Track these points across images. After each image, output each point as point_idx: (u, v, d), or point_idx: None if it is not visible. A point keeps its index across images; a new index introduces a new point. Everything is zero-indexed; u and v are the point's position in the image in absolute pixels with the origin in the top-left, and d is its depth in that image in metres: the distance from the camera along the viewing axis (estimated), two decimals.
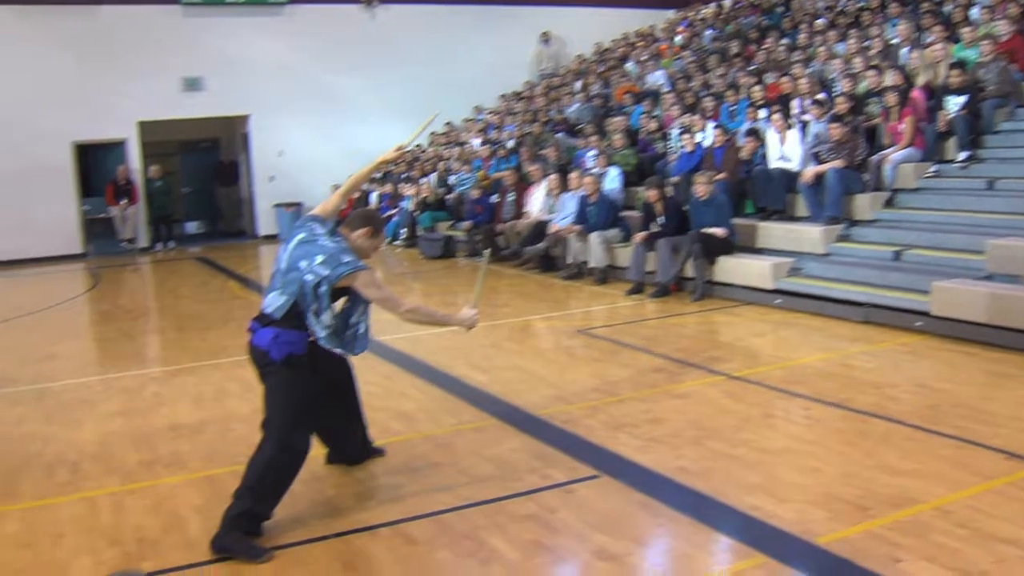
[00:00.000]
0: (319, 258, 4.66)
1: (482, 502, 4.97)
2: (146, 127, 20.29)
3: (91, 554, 4.61)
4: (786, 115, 11.51)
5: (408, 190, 18.52)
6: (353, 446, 5.55)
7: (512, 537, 4.51)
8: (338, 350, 4.80)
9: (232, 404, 7.20)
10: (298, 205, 20.15)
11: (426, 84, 20.79)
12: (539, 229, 13.30)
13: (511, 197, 14.58)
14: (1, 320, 12.16)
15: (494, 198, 15.06)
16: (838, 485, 4.94)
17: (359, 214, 5.07)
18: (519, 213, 14.26)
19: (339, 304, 4.78)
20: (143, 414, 7.13)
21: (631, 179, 13.12)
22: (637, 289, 11.03)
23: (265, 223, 21.37)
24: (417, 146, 20.20)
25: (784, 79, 13.11)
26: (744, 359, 7.92)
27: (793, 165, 11.00)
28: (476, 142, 18.97)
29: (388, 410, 6.66)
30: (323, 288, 4.61)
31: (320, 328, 4.66)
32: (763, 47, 15.78)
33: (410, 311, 4.91)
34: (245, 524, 4.49)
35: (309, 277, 4.63)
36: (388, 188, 19.25)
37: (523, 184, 14.54)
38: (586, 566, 4.23)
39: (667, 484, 5.11)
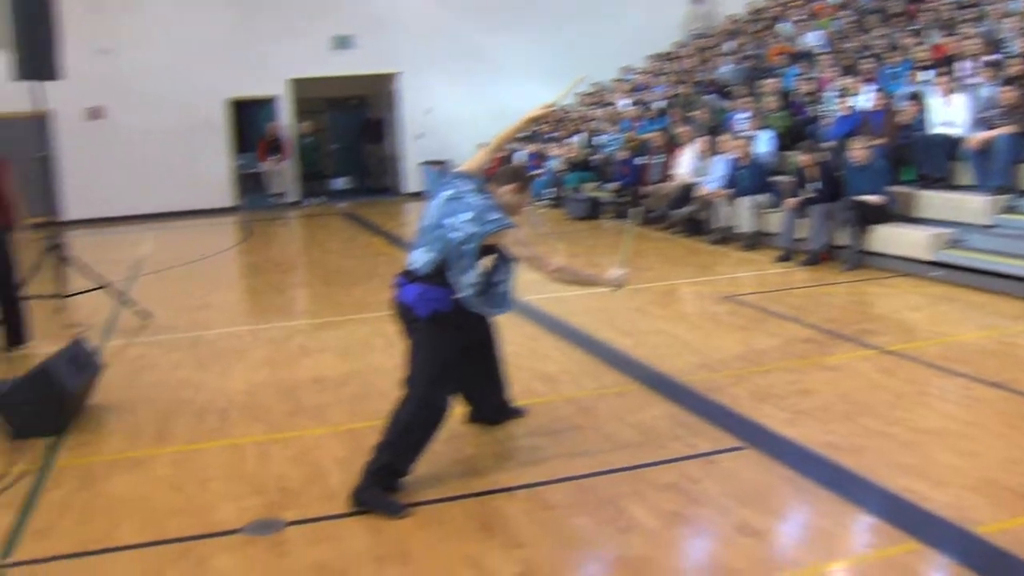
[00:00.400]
0: (466, 215, 4.61)
1: (623, 468, 4.89)
2: (296, 84, 20.71)
3: (235, 500, 4.73)
4: (951, 77, 10.94)
5: (554, 150, 18.43)
6: (493, 406, 5.53)
7: (652, 506, 4.42)
8: (481, 309, 4.76)
9: (376, 359, 7.28)
10: (444, 163, 20.28)
11: (574, 44, 20.57)
12: (686, 192, 13.05)
13: (659, 159, 14.33)
14: (162, 269, 12.62)
15: (641, 160, 14.82)
16: (1000, 471, 4.67)
17: (507, 169, 5.00)
18: (666, 175, 14.00)
19: (486, 262, 4.73)
20: (289, 365, 7.29)
21: (783, 143, 12.73)
22: (786, 256, 10.72)
23: (411, 180, 21.60)
24: (562, 107, 20.04)
25: (950, 39, 12.48)
26: (898, 333, 7.59)
27: (958, 130, 10.45)
28: (624, 103, 18.70)
29: (531, 371, 6.62)
30: (469, 245, 4.57)
31: (465, 286, 4.63)
32: (927, 5, 15.05)
33: (557, 270, 4.83)
34: (384, 479, 4.53)
35: (455, 234, 4.59)
36: (534, 147, 19.19)
37: (671, 146, 14.26)
38: (727, 540, 4.11)
39: (815, 460, 4.92)
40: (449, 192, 4.79)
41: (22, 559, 4.24)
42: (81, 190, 18.92)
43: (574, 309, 8.56)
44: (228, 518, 4.53)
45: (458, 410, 5.28)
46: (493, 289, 4.76)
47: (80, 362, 6.34)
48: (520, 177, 4.96)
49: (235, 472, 5.12)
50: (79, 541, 4.39)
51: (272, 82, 20.36)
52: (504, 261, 4.77)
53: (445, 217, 4.67)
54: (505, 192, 4.84)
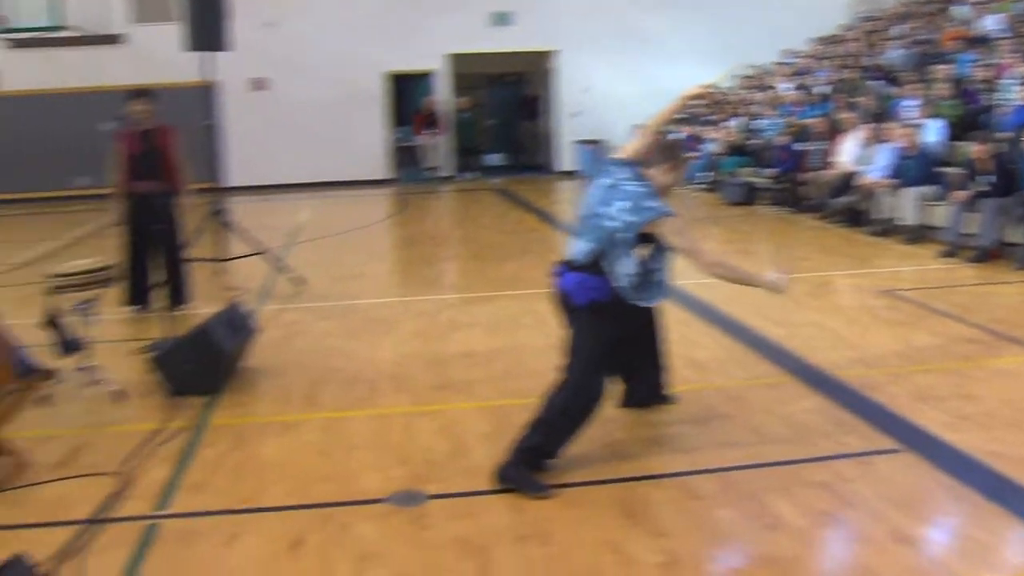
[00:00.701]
0: (623, 204, 4.54)
1: (772, 463, 4.75)
2: (454, 59, 20.89)
3: (380, 470, 4.79)
4: None
5: (711, 133, 18.12)
6: (647, 391, 5.45)
7: (800, 504, 4.26)
8: (637, 299, 4.68)
9: (525, 336, 7.27)
10: (598, 143, 20.17)
11: (735, 25, 20.20)
12: (847, 181, 12.60)
13: (820, 146, 13.90)
14: (317, 237, 12.93)
15: (801, 146, 14.42)
16: None
17: (659, 148, 4.85)
18: (827, 163, 13.57)
19: (642, 251, 4.63)
20: (438, 339, 7.35)
21: (953, 133, 12.16)
22: (952, 252, 10.23)
23: (565, 158, 21.56)
24: (721, 90, 19.67)
25: None
26: None
27: None
28: (785, 87, 18.23)
29: (681, 357, 6.47)
30: (627, 235, 4.50)
31: (622, 276, 4.56)
32: None
33: (714, 264, 4.69)
34: (532, 459, 4.51)
35: (612, 224, 4.53)
36: (691, 130, 18.90)
37: (833, 132, 13.81)
38: (878, 546, 3.92)
39: (977, 468, 4.66)
40: (607, 180, 4.72)
41: (177, 511, 4.40)
42: (243, 158, 19.58)
43: (726, 296, 8.35)
44: (372, 487, 4.58)
45: (611, 393, 5.20)
46: (649, 278, 4.67)
47: (236, 325, 6.53)
48: (673, 155, 4.83)
49: (381, 442, 5.18)
50: (229, 499, 4.52)
51: (431, 57, 20.63)
52: (660, 250, 4.67)
53: (602, 206, 4.61)
54: (658, 172, 4.73)
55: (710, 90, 5.20)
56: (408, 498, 4.42)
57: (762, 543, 3.97)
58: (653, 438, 5.18)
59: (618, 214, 4.53)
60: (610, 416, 5.27)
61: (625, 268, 4.54)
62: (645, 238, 4.56)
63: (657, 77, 19.50)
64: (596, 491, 4.47)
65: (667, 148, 4.87)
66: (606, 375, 4.77)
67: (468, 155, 21.82)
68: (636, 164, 4.78)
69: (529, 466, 4.49)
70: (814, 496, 4.35)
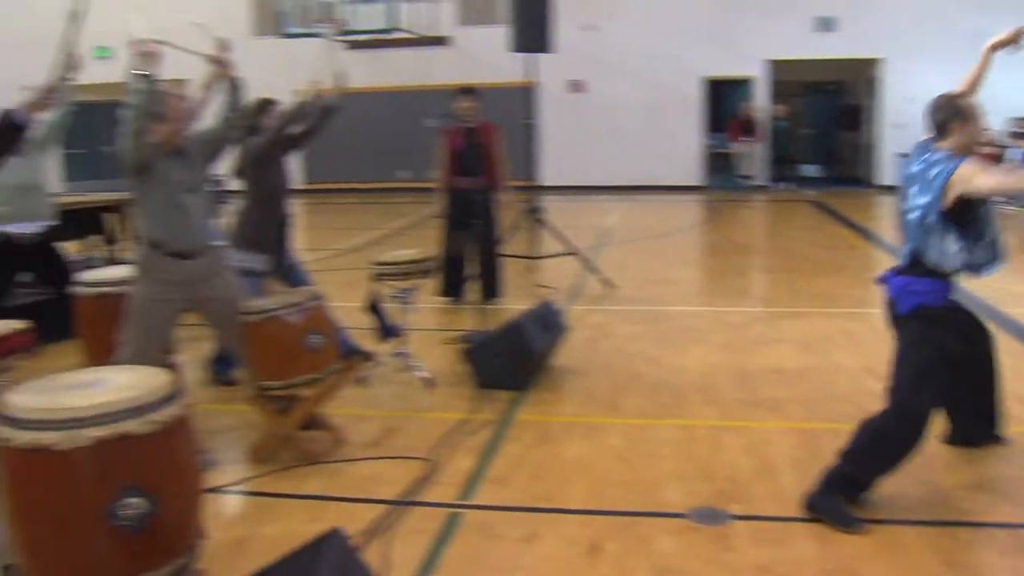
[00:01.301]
0: (914, 188, 4.20)
1: None
2: (773, 66, 20.37)
3: (682, 483, 4.66)
4: None
5: None
6: (975, 427, 4.95)
7: None
8: (978, 273, 4.20)
9: (838, 356, 6.90)
10: None
11: None
12: None
13: None
14: (628, 240, 12.98)
15: None
16: None
17: (938, 109, 4.25)
18: None
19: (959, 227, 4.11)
20: (746, 352, 7.12)
21: None
22: None
23: (886, 172, 20.52)
24: None
25: None
26: None
27: None
28: None
29: (1013, 394, 5.86)
30: (930, 219, 4.09)
31: (949, 259, 4.12)
32: None
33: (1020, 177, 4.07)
34: (844, 488, 4.20)
35: (914, 215, 4.17)
36: None
37: None
38: None
39: None
40: (905, 172, 4.37)
41: (479, 503, 4.48)
42: (558, 158, 19.98)
43: None
44: (673, 500, 4.47)
45: (934, 426, 4.81)
46: (980, 244, 4.15)
47: (547, 323, 6.60)
48: (953, 109, 4.20)
49: (684, 454, 5.05)
50: (529, 496, 4.55)
51: (749, 62, 20.25)
52: (978, 209, 4.12)
53: (903, 200, 4.29)
54: (953, 139, 4.17)
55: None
56: (710, 515, 4.27)
57: None
58: (980, 481, 4.71)
59: (913, 201, 4.18)
60: (932, 452, 4.84)
61: (949, 249, 4.10)
62: (954, 212, 4.06)
63: (992, 87, 18.07)
64: (912, 532, 4.11)
65: (944, 106, 4.25)
66: (933, 398, 4.28)
67: (783, 165, 21.24)
68: (929, 141, 4.30)
69: (842, 496, 4.19)
70: None
